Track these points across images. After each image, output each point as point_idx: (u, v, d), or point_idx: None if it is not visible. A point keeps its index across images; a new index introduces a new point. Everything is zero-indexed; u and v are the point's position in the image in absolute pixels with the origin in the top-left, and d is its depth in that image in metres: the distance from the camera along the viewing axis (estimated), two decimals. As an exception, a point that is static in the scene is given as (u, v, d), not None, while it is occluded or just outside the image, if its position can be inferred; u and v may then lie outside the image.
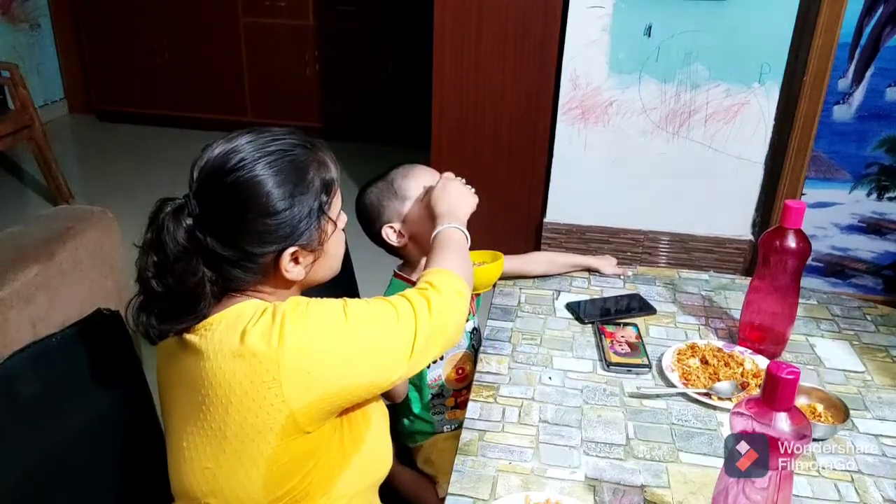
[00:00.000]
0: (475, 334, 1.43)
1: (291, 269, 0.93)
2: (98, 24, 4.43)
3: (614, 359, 1.29)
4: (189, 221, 0.88)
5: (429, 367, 1.40)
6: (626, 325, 1.39)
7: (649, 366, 1.28)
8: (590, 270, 1.62)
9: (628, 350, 1.32)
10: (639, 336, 1.36)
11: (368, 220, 1.36)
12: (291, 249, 0.92)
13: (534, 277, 1.59)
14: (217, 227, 0.88)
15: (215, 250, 0.88)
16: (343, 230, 1.03)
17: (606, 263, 1.63)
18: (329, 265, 1.00)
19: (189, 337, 0.90)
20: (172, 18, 4.31)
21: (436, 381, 1.42)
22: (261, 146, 0.90)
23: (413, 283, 1.37)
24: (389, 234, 1.35)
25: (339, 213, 0.99)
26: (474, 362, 1.34)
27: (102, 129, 4.60)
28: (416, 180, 1.34)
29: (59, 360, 0.99)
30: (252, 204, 0.88)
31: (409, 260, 1.40)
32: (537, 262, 1.61)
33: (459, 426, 1.19)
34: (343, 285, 1.50)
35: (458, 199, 1.22)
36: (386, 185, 1.35)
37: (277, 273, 0.93)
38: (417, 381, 1.41)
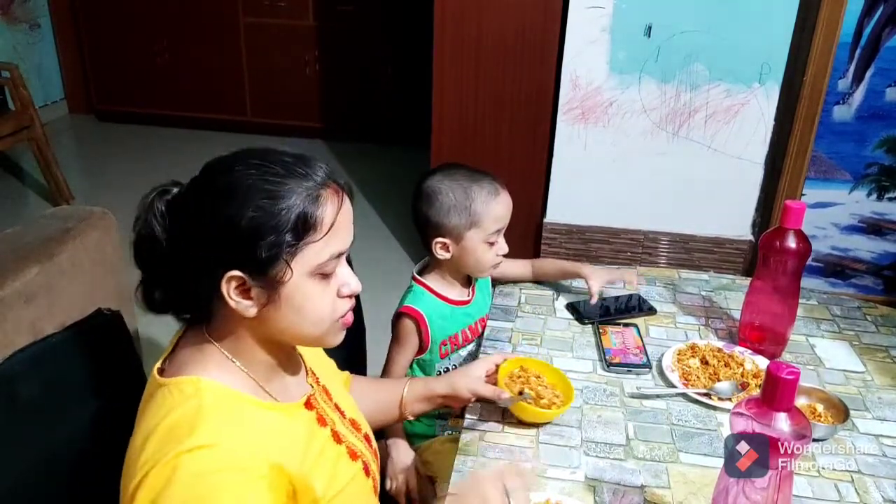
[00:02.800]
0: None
1: (237, 300, 0.81)
2: (98, 24, 4.43)
3: (614, 359, 1.29)
4: (162, 206, 0.83)
5: (439, 375, 1.40)
6: (626, 325, 1.39)
7: (649, 366, 1.28)
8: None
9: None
10: (639, 338, 1.36)
11: (426, 214, 1.32)
12: (232, 273, 0.79)
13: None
14: (180, 218, 0.83)
15: (165, 242, 0.83)
16: (351, 297, 0.88)
17: (597, 276, 1.45)
18: (292, 319, 0.83)
19: (154, 374, 0.86)
20: (172, 19, 4.30)
21: None
22: (263, 156, 0.83)
23: (435, 293, 1.38)
24: (438, 248, 1.32)
25: (320, 266, 0.82)
26: None
27: (102, 129, 4.60)
28: (495, 209, 1.31)
29: (59, 360, 0.99)
30: (211, 204, 0.80)
31: (437, 265, 1.38)
32: (538, 270, 1.56)
33: (459, 431, 1.18)
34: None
35: None
36: (464, 198, 1.29)
37: (225, 305, 0.81)
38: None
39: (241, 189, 0.79)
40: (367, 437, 1.03)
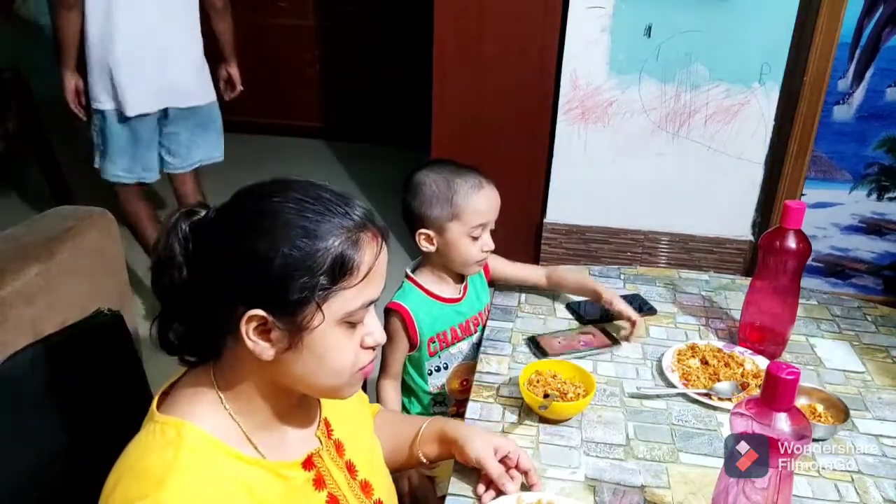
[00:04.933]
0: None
1: (255, 341, 0.76)
2: (98, 24, 4.44)
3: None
4: (187, 228, 0.78)
5: (430, 373, 1.40)
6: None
7: (618, 341, 1.34)
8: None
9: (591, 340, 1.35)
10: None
11: (411, 205, 1.32)
12: (255, 312, 0.74)
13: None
14: (204, 244, 0.78)
15: (185, 268, 0.77)
16: (371, 347, 0.83)
17: (616, 300, 1.40)
18: (310, 368, 0.79)
19: (154, 403, 0.81)
20: (172, 18, 4.30)
21: (438, 389, 1.42)
22: (301, 189, 0.78)
23: (427, 292, 1.38)
24: (422, 240, 1.33)
25: (349, 314, 0.78)
26: None
27: (102, 128, 4.60)
28: (477, 203, 1.30)
29: (59, 360, 0.99)
30: (241, 235, 0.75)
31: (428, 261, 1.38)
32: (554, 280, 1.51)
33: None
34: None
35: None
36: (446, 189, 1.29)
37: (239, 344, 0.77)
38: (413, 386, 1.41)
39: (278, 224, 0.74)
40: (378, 503, 0.95)
